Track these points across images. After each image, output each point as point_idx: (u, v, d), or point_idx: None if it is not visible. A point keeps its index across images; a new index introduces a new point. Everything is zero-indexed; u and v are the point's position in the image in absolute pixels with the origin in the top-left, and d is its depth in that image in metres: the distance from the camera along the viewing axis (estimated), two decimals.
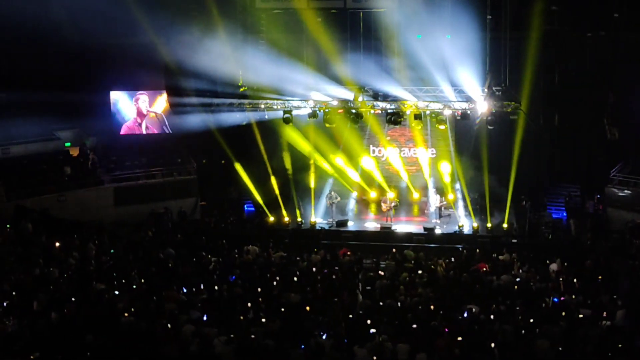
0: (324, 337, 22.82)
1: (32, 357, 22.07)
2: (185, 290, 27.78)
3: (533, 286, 27.70)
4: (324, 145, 40.99)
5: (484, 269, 30.04)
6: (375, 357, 21.71)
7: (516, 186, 37.70)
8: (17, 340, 23.65)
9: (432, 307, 25.31)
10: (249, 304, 25.89)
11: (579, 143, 42.15)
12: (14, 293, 26.73)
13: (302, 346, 22.42)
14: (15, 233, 33.35)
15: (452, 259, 31.78)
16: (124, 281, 28.95)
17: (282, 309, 25.64)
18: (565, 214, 39.39)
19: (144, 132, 43.55)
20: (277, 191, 40.57)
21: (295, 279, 29.28)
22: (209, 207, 43.32)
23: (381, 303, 26.15)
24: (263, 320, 24.27)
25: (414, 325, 23.46)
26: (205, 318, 24.90)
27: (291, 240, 36.86)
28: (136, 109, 43.39)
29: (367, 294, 27.34)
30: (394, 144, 42.48)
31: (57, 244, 32.64)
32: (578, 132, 41.85)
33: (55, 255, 31.47)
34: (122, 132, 43.53)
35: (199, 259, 32.61)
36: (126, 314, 25.19)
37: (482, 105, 37.12)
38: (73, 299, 26.69)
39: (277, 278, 29.19)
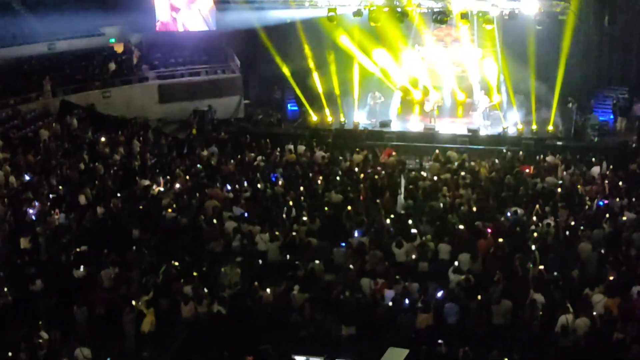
0: (363, 236, 23.02)
1: (78, 250, 22.54)
2: (228, 188, 28.03)
3: (577, 189, 27.54)
4: (368, 44, 40.43)
5: (528, 171, 29.88)
6: (415, 256, 21.90)
7: (563, 88, 36.93)
8: (65, 234, 24.15)
9: (474, 208, 25.32)
10: (292, 203, 26.09)
11: (629, 44, 41.07)
12: (60, 187, 27.15)
13: (343, 244, 22.65)
14: (61, 128, 33.69)
15: (496, 161, 31.59)
16: (168, 178, 29.27)
17: (325, 208, 25.83)
18: (612, 117, 38.73)
19: (180, 28, 43.11)
20: (320, 90, 40.28)
21: (337, 178, 29.37)
22: (253, 106, 43.28)
23: (423, 204, 26.22)
24: (305, 218, 24.49)
25: (460, 226, 23.53)
26: (247, 215, 25.18)
27: (334, 140, 36.81)
28: (169, 4, 42.82)
29: (410, 194, 27.36)
30: (440, 44, 41.79)
31: (103, 140, 32.97)
32: (628, 33, 40.75)
33: (100, 151, 31.82)
34: (158, 28, 43.11)
35: (242, 157, 32.81)
36: (170, 210, 25.56)
37: (530, 5, 36.26)
38: (118, 195, 27.09)
39: (320, 177, 29.30)
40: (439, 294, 19.58)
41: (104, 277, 21.01)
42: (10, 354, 16.34)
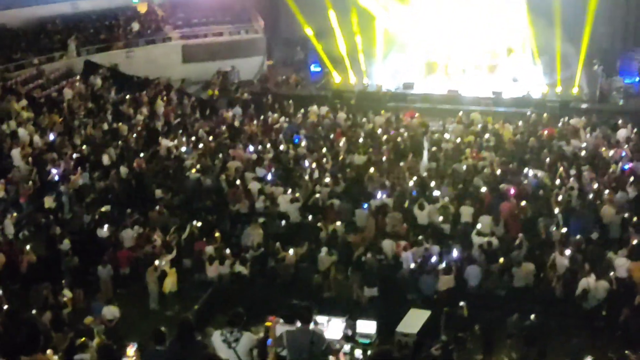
0: (386, 197, 22.99)
1: (102, 209, 22.69)
2: (251, 149, 28.05)
3: (601, 152, 27.33)
4: (392, 4, 40.08)
5: (552, 134, 29.69)
6: (440, 219, 21.89)
7: (589, 49, 36.53)
8: (88, 193, 24.31)
9: (497, 171, 25.21)
10: (314, 164, 26.11)
11: None
12: (84, 147, 27.27)
13: (365, 205, 22.67)
14: (84, 88, 33.76)
15: (520, 124, 31.39)
16: (192, 138, 29.34)
17: (347, 170, 25.84)
18: (638, 79, 38.28)
19: None
20: (343, 52, 39.99)
21: (360, 140, 29.33)
22: (276, 67, 43.20)
23: (446, 166, 26.16)
24: (327, 180, 24.50)
25: (483, 189, 23.45)
26: (270, 177, 25.22)
27: (357, 101, 36.69)
28: None
29: (433, 156, 27.31)
30: (465, 5, 41.31)
31: (126, 100, 33.02)
32: None
33: (124, 111, 31.90)
34: None
35: (265, 118, 32.82)
36: (194, 170, 25.63)
37: None
38: (142, 155, 27.19)
39: (343, 139, 29.26)
40: (460, 256, 19.59)
41: (125, 237, 21.16)
42: (34, 312, 16.52)
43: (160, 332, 10.54)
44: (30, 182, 24.00)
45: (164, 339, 10.47)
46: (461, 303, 17.03)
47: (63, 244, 20.48)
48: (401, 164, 26.45)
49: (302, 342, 9.47)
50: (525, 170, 25.27)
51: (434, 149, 27.94)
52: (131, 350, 12.12)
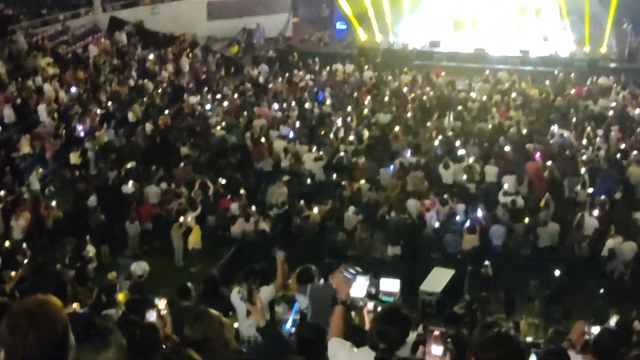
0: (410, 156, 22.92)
1: (128, 166, 22.76)
2: (276, 107, 28.02)
3: (629, 112, 27.07)
4: None
5: (580, 93, 29.42)
6: (464, 178, 21.81)
7: (618, 7, 35.98)
8: (113, 150, 24.40)
9: (524, 130, 25.05)
10: (339, 122, 26.05)
11: None
12: (109, 103, 27.33)
13: (391, 165, 22.62)
14: (110, 44, 33.74)
15: (547, 83, 31.11)
16: (218, 96, 29.34)
17: (372, 128, 25.78)
18: None
19: None
20: (370, 9, 39.60)
21: (386, 99, 29.20)
22: (301, 25, 42.95)
23: (472, 125, 26.02)
24: (352, 138, 24.45)
25: (506, 148, 23.31)
26: (295, 135, 25.20)
27: (383, 59, 36.44)
28: None
29: (459, 115, 27.15)
30: None
31: (151, 57, 32.99)
32: None
33: (149, 68, 31.89)
34: None
35: (290, 76, 32.72)
36: (219, 128, 25.65)
37: None
38: (167, 112, 27.23)
39: (368, 98, 29.16)
40: (485, 215, 19.53)
41: (149, 193, 21.25)
42: (58, 266, 16.65)
43: (187, 288, 10.63)
44: (57, 138, 24.12)
45: (190, 295, 10.56)
46: (486, 262, 17.01)
47: (90, 200, 20.59)
48: (427, 123, 26.36)
49: (325, 297, 9.50)
50: (552, 129, 25.10)
51: (459, 108, 27.77)
52: (162, 304, 12.27)
